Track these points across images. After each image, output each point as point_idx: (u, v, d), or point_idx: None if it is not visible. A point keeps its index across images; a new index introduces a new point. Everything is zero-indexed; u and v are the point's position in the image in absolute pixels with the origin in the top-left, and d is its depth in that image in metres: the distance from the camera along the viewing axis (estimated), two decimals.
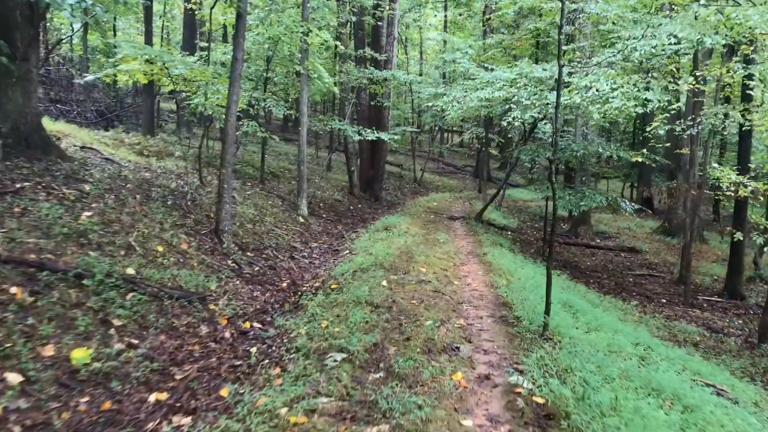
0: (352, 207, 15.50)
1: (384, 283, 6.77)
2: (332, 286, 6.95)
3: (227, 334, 5.19)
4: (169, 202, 8.46)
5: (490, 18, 17.61)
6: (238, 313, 5.79)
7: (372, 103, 15.86)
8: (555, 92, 11.30)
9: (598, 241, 17.06)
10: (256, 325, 5.52)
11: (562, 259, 13.57)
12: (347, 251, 9.57)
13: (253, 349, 4.86)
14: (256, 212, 10.57)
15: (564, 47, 12.67)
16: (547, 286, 5.46)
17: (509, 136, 21.73)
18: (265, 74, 13.38)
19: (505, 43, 14.90)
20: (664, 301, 11.60)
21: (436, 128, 30.73)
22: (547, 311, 5.41)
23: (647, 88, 10.14)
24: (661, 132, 28.88)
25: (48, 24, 20.16)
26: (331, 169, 19.89)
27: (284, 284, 7.32)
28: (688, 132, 10.19)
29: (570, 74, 11.11)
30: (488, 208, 15.25)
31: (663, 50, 6.87)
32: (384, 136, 12.76)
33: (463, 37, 15.34)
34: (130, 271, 5.68)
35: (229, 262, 7.45)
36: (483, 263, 8.91)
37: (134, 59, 8.31)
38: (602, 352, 5.26)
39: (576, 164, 13.41)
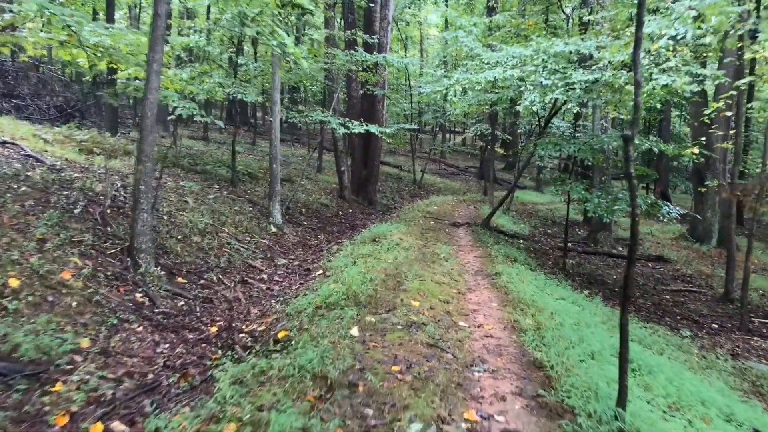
0: (340, 212, 13.07)
1: (354, 331, 4.34)
2: (279, 335, 4.52)
3: None
4: (76, 210, 6.07)
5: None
6: (100, 399, 3.35)
7: (363, 91, 13.44)
8: (581, 70, 8.88)
9: (620, 248, 14.53)
10: (117, 427, 3.08)
11: (584, 273, 11.10)
12: (320, 271, 7.14)
13: None
14: (211, 221, 8.16)
15: (588, 17, 10.27)
16: (622, 359, 3.02)
17: (519, 131, 19.25)
18: (235, 57, 10.98)
19: (514, 23, 12.50)
20: (716, 326, 9.11)
21: (437, 128, 28.28)
22: (621, 402, 2.98)
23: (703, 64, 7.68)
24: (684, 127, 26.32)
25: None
26: (323, 170, 17.48)
27: (214, 329, 4.88)
28: None
29: (599, 48, 8.68)
30: (496, 212, 12.78)
31: None
32: (373, 129, 10.36)
33: (467, 24, 13.01)
34: None
35: (138, 295, 5.03)
36: (497, 288, 6.46)
37: (26, 18, 5.92)
38: None
39: (598, 162, 10.93)
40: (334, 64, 11.96)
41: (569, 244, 14.04)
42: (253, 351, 4.21)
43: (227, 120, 26.47)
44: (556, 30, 20.79)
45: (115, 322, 4.37)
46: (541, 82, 8.42)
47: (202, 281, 6.11)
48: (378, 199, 15.33)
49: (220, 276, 6.44)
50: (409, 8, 27.28)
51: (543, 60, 8.74)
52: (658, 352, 6.13)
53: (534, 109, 8.34)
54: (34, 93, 14.19)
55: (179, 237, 7.06)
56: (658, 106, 15.08)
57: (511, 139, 21.06)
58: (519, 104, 8.65)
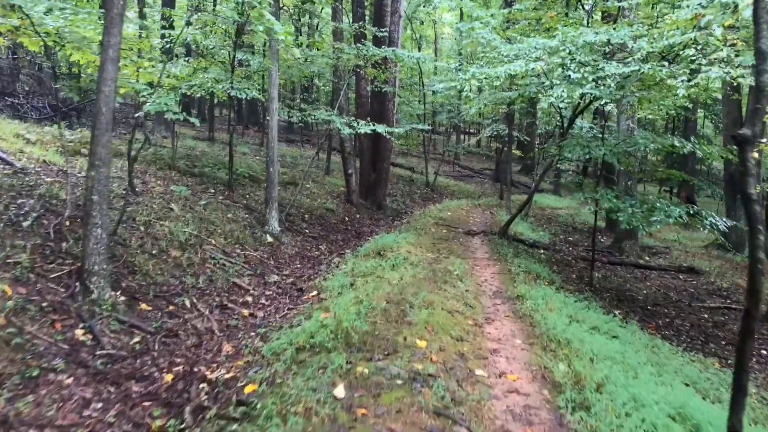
0: (347, 218, 12.01)
1: (339, 390, 3.26)
2: (246, 390, 3.48)
3: None
4: (26, 222, 5.07)
5: None
6: None
7: (371, 88, 12.40)
8: (614, 62, 7.71)
9: (647, 258, 13.27)
10: None
11: (611, 287, 9.91)
12: (314, 292, 6.08)
13: None
14: (197, 231, 7.14)
15: (618, 2, 9.04)
16: None
17: (538, 131, 18.01)
18: (233, 52, 9.96)
19: (534, 15, 11.32)
20: (765, 353, 7.91)
21: (451, 129, 27.11)
22: None
23: None
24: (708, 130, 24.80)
25: None
26: (331, 173, 16.42)
27: (169, 377, 3.84)
28: None
29: (635, 38, 7.52)
30: (514, 219, 11.61)
31: None
32: (380, 128, 9.28)
33: (484, 15, 11.78)
34: None
35: (79, 332, 4.01)
36: (520, 318, 5.34)
37: None
38: None
39: (627, 166, 9.73)
40: (340, 59, 10.90)
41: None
42: (206, 418, 3.15)
43: (236, 120, 25.57)
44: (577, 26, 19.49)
45: (35, 373, 3.35)
46: (569, 75, 7.27)
47: (171, 307, 5.08)
48: (388, 203, 14.25)
49: (195, 300, 5.40)
50: (423, 6, 26.15)
51: (570, 52, 7.59)
52: (716, 399, 4.98)
53: (561, 105, 7.20)
54: (30, 91, 13.35)
55: (154, 252, 6.04)
56: (690, 105, 13.79)
57: (529, 141, 19.82)
58: (541, 101, 7.50)
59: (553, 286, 7.31)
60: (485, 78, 7.83)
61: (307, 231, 9.89)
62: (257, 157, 16.33)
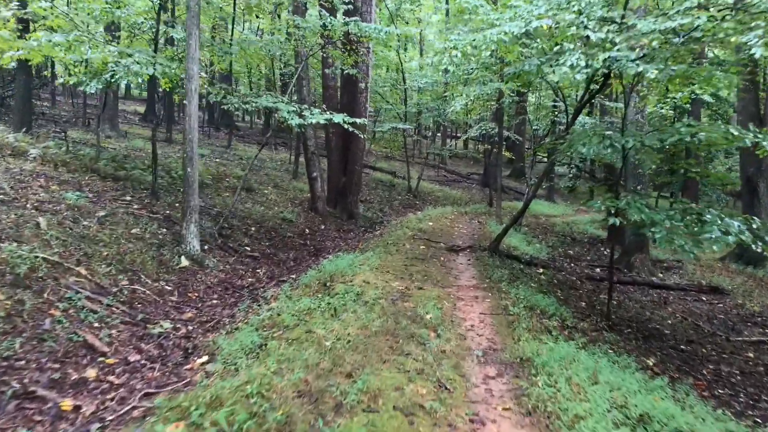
0: (308, 230, 9.66)
1: None
2: None
3: None
4: None
5: None
6: None
7: (330, 71, 10.12)
8: (651, 18, 5.45)
9: (661, 275, 11.01)
10: None
11: (630, 318, 7.64)
12: (205, 357, 3.76)
13: None
14: (59, 258, 4.79)
15: None
16: None
17: (534, 129, 15.72)
18: (156, 25, 7.65)
19: None
20: None
21: (437, 131, 24.84)
22: None
23: None
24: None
25: None
26: (299, 176, 14.05)
27: None
28: None
29: None
30: (508, 231, 9.30)
31: None
32: (338, 118, 6.94)
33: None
34: None
35: None
36: (530, 415, 3.02)
37: None
38: None
39: (656, 164, 7.53)
40: (294, 35, 8.61)
41: (599, 270, 10.57)
42: None
43: (208, 121, 23.12)
44: None
45: None
46: (587, 36, 5.02)
47: None
48: (361, 211, 11.93)
49: None
50: (410, 4, 23.94)
51: (580, 8, 5.32)
52: None
53: (578, 77, 4.94)
54: None
55: None
56: (708, 98, 11.70)
57: (520, 141, 17.59)
58: (555, 69, 5.22)
59: (565, 332, 5.02)
60: (475, 44, 5.55)
61: (248, 249, 7.53)
62: (217, 160, 14.02)
